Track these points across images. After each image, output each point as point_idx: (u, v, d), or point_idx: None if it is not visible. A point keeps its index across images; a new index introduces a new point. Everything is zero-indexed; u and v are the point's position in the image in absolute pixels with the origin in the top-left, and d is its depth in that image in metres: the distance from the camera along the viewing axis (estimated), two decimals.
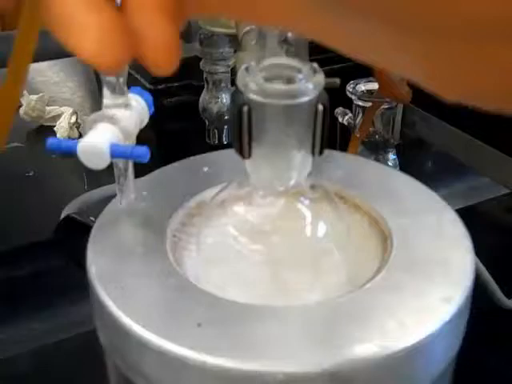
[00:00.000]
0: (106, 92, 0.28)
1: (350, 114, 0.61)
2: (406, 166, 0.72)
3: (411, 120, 0.88)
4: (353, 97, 0.58)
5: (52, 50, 0.50)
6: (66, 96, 0.98)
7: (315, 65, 0.27)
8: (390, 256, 0.27)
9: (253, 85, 0.26)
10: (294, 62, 0.27)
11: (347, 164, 0.33)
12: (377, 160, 0.61)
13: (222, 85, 0.65)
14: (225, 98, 0.65)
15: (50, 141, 0.27)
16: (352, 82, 0.59)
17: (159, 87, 0.80)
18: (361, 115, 0.59)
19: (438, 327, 0.24)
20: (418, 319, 0.25)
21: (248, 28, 0.34)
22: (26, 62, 0.22)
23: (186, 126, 0.75)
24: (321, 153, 0.27)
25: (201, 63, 0.64)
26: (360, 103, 0.58)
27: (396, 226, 0.28)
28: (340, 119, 0.62)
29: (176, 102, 0.79)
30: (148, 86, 0.80)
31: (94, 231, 0.29)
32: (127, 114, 0.28)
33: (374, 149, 0.61)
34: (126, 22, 0.16)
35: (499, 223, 0.77)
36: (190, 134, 0.73)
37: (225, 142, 0.67)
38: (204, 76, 0.65)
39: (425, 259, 0.27)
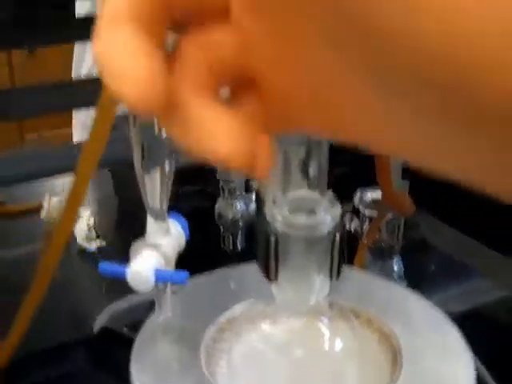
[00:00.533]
0: (149, 219, 0.32)
1: (357, 221, 0.65)
2: (410, 268, 0.75)
3: (415, 222, 0.92)
4: (360, 206, 0.62)
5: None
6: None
7: (333, 197, 0.31)
8: (400, 371, 0.30)
9: (279, 217, 0.30)
10: (314, 195, 0.31)
11: (361, 281, 0.37)
12: (382, 265, 0.64)
13: (237, 193, 0.69)
14: (239, 206, 0.69)
15: (102, 266, 0.31)
16: (358, 190, 0.63)
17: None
18: (367, 223, 0.63)
19: None
20: None
21: None
22: (92, 167, 0.25)
23: (201, 230, 0.79)
24: (338, 276, 0.31)
25: (217, 173, 0.69)
26: (367, 213, 0.62)
27: (405, 342, 0.31)
28: (347, 226, 0.65)
29: (191, 207, 0.83)
30: None
31: (135, 349, 0.32)
32: (167, 240, 0.32)
33: (380, 255, 0.65)
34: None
35: (502, 325, 0.80)
36: (204, 238, 0.77)
37: (239, 248, 0.71)
38: (220, 184, 0.70)
39: (431, 374, 0.30)
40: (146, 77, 0.16)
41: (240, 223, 0.69)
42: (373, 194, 0.63)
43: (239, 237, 0.70)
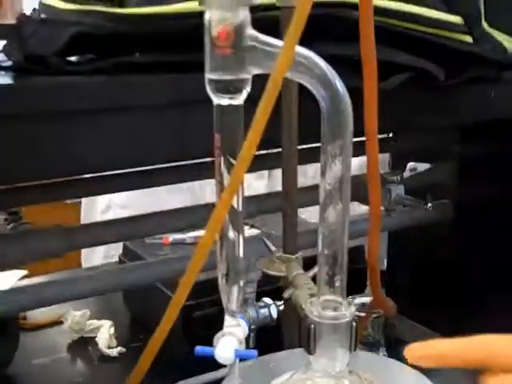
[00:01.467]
0: (227, 317, 0.48)
1: None
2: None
3: (391, 323, 1.08)
4: None
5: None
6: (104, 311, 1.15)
7: (350, 301, 0.47)
8: None
9: (316, 313, 0.46)
10: (337, 298, 0.47)
11: (369, 359, 0.52)
12: None
13: (249, 301, 0.84)
14: (252, 313, 0.84)
15: (197, 349, 0.46)
16: (350, 297, 0.79)
17: (189, 303, 0.99)
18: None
19: None
20: None
21: (297, 272, 0.55)
22: None
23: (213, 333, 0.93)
24: (354, 350, 0.47)
25: None
26: (356, 313, 0.78)
27: None
28: None
29: (203, 315, 0.98)
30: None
31: None
32: (239, 329, 0.47)
33: (369, 347, 0.80)
34: None
35: None
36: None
37: (251, 347, 0.85)
38: None
39: None
40: None
41: (252, 326, 0.84)
42: (361, 299, 0.79)
43: (251, 338, 0.85)
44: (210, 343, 0.95)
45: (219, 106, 0.44)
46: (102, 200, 1.54)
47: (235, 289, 0.47)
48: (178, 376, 0.90)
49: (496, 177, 0.88)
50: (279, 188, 0.61)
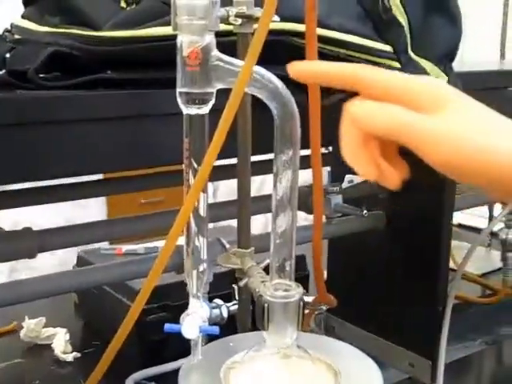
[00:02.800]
0: (191, 299, 0.55)
1: None
2: None
3: (331, 326, 1.16)
4: None
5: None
6: (58, 318, 1.19)
7: (298, 284, 0.55)
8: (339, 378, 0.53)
9: (269, 293, 0.54)
10: (287, 282, 0.55)
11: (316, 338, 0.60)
12: None
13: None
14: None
15: (166, 326, 0.53)
16: None
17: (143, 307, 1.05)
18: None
19: None
20: None
21: (250, 265, 0.62)
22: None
23: (166, 337, 0.98)
24: (301, 327, 0.55)
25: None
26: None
27: (340, 366, 0.55)
28: None
29: (157, 319, 1.04)
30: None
31: (180, 377, 0.54)
32: (202, 310, 0.55)
33: None
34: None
35: None
36: (169, 342, 0.97)
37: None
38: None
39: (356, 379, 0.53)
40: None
41: None
42: (304, 299, 0.87)
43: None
44: (163, 347, 1.01)
45: (188, 115, 0.51)
46: None
47: (196, 275, 0.55)
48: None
49: (424, 190, 0.98)
50: None
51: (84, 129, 0.61)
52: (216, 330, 0.53)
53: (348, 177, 0.88)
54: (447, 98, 0.44)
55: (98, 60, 0.62)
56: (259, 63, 0.49)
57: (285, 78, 0.51)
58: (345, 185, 0.89)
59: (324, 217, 0.93)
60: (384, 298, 1.07)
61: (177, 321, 0.63)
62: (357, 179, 0.88)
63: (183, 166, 0.52)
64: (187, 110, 0.51)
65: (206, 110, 0.51)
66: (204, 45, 0.49)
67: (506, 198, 0.44)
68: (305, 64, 0.49)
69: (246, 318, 0.69)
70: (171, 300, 1.01)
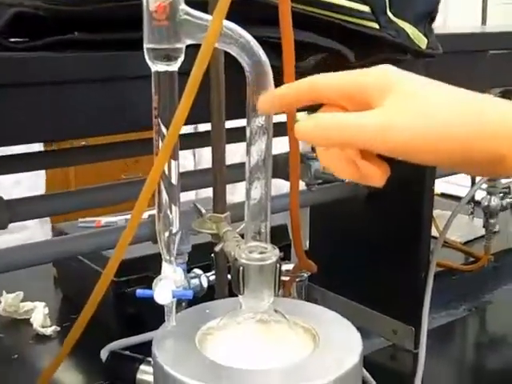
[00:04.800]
0: (164, 263, 0.53)
1: None
2: None
3: (313, 297, 1.16)
4: None
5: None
6: (37, 293, 1.18)
7: (274, 245, 0.53)
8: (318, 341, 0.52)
9: (244, 256, 0.52)
10: (263, 244, 0.53)
11: (289, 302, 0.59)
12: None
13: None
14: None
15: (139, 292, 0.51)
16: None
17: (121, 279, 1.03)
18: (282, 286, 0.86)
19: None
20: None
21: (226, 229, 0.61)
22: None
23: (144, 309, 0.97)
24: (278, 290, 0.53)
25: None
26: (282, 278, 0.84)
27: (319, 331, 0.54)
28: None
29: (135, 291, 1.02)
30: (112, 278, 1.03)
31: (155, 341, 0.53)
32: (175, 274, 0.53)
33: None
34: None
35: (385, 369, 1.03)
36: (148, 314, 0.96)
37: None
38: None
39: (335, 343, 0.52)
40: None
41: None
42: (285, 266, 0.86)
43: (182, 307, 0.91)
44: (141, 320, 1.00)
45: (157, 72, 0.49)
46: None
47: (168, 238, 0.53)
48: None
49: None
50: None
51: (58, 91, 0.59)
52: (189, 294, 0.52)
53: None
54: (391, 87, 0.43)
55: (64, 21, 0.59)
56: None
57: (257, 40, 0.50)
58: None
59: (304, 184, 0.92)
60: (366, 265, 1.07)
61: None
62: None
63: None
64: (155, 66, 0.49)
65: (175, 67, 0.49)
66: None
67: (457, 169, 0.45)
68: (262, 100, 0.49)
69: (223, 284, 0.67)
70: (152, 271, 1.00)
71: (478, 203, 1.36)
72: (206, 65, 0.47)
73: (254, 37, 0.50)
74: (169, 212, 0.53)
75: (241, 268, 0.52)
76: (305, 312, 0.59)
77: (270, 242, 0.53)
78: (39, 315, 1.10)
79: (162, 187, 0.52)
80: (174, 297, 0.52)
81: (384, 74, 0.44)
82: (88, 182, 1.12)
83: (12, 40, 0.61)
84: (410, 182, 0.98)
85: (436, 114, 0.42)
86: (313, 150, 1.06)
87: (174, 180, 0.53)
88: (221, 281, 0.68)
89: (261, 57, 0.48)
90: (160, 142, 0.50)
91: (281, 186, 0.85)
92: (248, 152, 0.51)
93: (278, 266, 0.53)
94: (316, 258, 0.80)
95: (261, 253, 0.53)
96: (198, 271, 0.92)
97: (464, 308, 1.18)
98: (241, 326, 0.54)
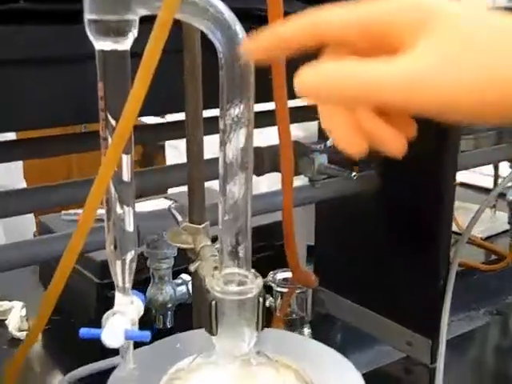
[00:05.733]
0: (117, 294, 0.42)
1: (271, 298, 0.76)
2: (318, 339, 0.86)
3: (320, 299, 1.05)
4: (273, 284, 0.74)
5: None
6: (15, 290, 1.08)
7: (256, 273, 0.42)
8: None
9: (217, 288, 0.41)
10: (242, 271, 0.42)
11: (279, 337, 0.48)
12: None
13: (166, 279, 0.79)
14: (168, 290, 0.79)
15: (82, 331, 0.40)
16: (271, 272, 0.75)
17: (105, 281, 0.93)
18: (280, 298, 0.74)
19: None
20: None
21: (203, 244, 0.50)
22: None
23: None
24: (262, 328, 0.42)
25: (148, 262, 0.79)
26: (279, 289, 0.74)
27: (315, 377, 0.43)
28: None
29: None
30: (96, 280, 0.93)
31: None
32: (132, 308, 0.42)
33: (293, 325, 0.76)
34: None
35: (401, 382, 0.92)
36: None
37: (169, 326, 0.81)
38: (151, 272, 0.80)
39: None
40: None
41: (169, 305, 0.79)
42: (283, 274, 0.75)
43: (168, 317, 0.80)
44: None
45: (101, 51, 0.38)
46: None
47: (123, 263, 0.42)
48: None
49: (418, 147, 0.85)
50: None
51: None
52: (147, 335, 0.41)
53: None
54: (427, 22, 0.32)
55: None
56: None
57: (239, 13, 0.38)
58: (330, 143, 0.76)
59: (307, 179, 0.80)
60: (377, 267, 0.95)
61: None
62: None
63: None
64: (99, 44, 0.37)
65: (126, 44, 0.38)
66: None
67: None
68: (247, 41, 0.36)
69: (200, 309, 0.56)
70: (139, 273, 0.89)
71: (501, 195, 1.24)
72: (163, 41, 0.35)
73: (240, 9, 0.38)
74: (121, 217, 0.42)
75: (213, 303, 0.41)
76: (297, 349, 0.47)
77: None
78: (15, 317, 1.00)
79: (111, 186, 0.41)
80: (127, 338, 0.41)
81: (418, 4, 0.33)
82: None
83: None
84: (428, 171, 0.87)
85: (495, 59, 0.31)
86: (319, 138, 0.95)
87: (126, 177, 0.41)
88: (198, 305, 0.56)
89: (237, 33, 0.36)
90: (109, 137, 0.39)
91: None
92: (222, 148, 0.40)
93: (260, 299, 0.41)
94: (323, 259, 0.69)
95: (239, 283, 0.42)
96: (185, 277, 0.82)
97: (485, 311, 1.06)
98: (217, 369, 0.43)
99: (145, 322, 0.68)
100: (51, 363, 0.95)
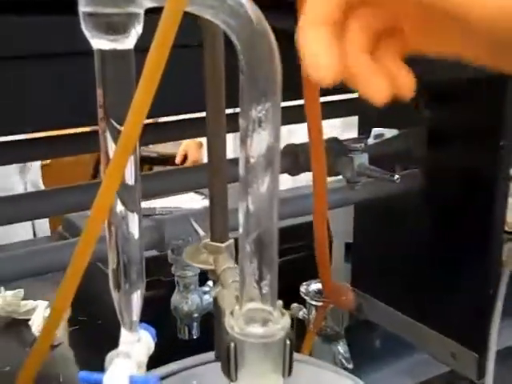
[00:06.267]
0: (123, 330, 0.36)
1: (304, 310, 0.70)
2: (355, 347, 0.80)
3: (358, 303, 0.98)
4: (306, 297, 0.68)
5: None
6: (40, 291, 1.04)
7: (283, 309, 0.36)
8: None
9: (237, 328, 0.35)
10: (267, 307, 0.36)
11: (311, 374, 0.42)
12: (329, 349, 0.69)
13: (191, 287, 0.73)
14: (194, 299, 0.73)
15: (81, 374, 0.35)
16: (304, 283, 0.68)
17: None
18: (314, 311, 0.68)
19: None
20: None
21: (225, 266, 0.44)
22: None
23: (158, 320, 0.82)
24: (290, 374, 0.36)
25: (172, 268, 0.73)
26: (313, 302, 0.67)
27: None
28: (295, 314, 0.71)
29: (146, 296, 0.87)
30: None
31: None
32: (139, 347, 0.36)
33: (326, 340, 0.70)
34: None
35: None
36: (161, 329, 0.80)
37: (194, 337, 0.75)
38: (175, 279, 0.74)
39: None
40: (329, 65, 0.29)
41: (195, 314, 0.74)
42: (317, 286, 0.68)
43: (194, 327, 0.75)
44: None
45: (100, 51, 0.32)
46: None
47: (127, 295, 0.36)
48: None
49: (467, 142, 0.77)
50: None
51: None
52: (154, 381, 0.35)
53: (375, 130, 0.68)
54: None
55: None
56: None
57: None
58: (371, 140, 0.69)
59: (345, 180, 0.73)
60: (419, 272, 0.89)
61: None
62: (387, 133, 0.68)
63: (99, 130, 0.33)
64: (97, 42, 0.31)
65: (128, 43, 0.31)
66: None
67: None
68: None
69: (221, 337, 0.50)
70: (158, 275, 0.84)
71: None
72: (172, 37, 0.29)
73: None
74: (124, 229, 0.36)
75: (232, 345, 0.35)
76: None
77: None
78: (39, 317, 0.96)
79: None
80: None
81: None
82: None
83: None
84: (477, 168, 0.80)
85: None
86: (359, 136, 0.87)
87: (130, 180, 0.35)
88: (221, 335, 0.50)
89: (259, 28, 0.30)
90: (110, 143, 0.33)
91: None
92: (242, 151, 0.33)
93: (287, 342, 0.35)
94: (362, 264, 0.62)
95: (263, 321, 0.35)
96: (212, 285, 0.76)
97: None
98: None
99: (169, 332, 0.63)
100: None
